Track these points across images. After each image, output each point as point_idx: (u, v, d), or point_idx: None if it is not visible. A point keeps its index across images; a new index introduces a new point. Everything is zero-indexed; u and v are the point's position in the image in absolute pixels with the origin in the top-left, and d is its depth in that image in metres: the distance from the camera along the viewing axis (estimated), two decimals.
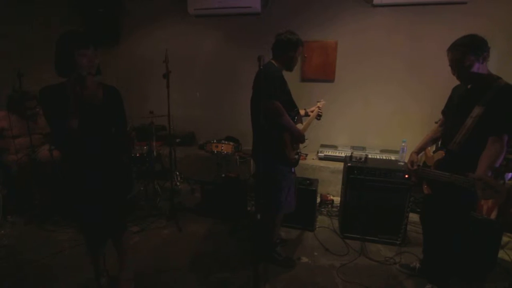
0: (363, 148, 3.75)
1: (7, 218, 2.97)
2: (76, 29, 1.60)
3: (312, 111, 2.46)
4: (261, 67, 1.60)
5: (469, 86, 1.76)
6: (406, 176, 2.46)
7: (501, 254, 2.41)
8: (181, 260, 2.44)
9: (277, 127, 2.09)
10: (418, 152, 2.07)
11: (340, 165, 3.29)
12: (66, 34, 1.55)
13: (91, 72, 1.59)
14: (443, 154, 1.80)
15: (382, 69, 3.71)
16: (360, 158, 2.73)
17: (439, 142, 2.04)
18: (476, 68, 1.62)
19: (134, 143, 3.60)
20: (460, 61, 1.63)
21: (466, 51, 1.61)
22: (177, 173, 3.89)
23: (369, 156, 3.01)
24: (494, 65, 3.25)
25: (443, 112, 2.02)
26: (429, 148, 2.08)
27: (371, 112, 3.85)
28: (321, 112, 2.46)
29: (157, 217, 3.11)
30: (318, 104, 2.48)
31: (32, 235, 2.76)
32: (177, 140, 4.07)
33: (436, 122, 2.59)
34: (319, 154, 3.79)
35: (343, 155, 3.65)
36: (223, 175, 3.25)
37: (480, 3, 3.24)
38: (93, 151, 1.68)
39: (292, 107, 2.22)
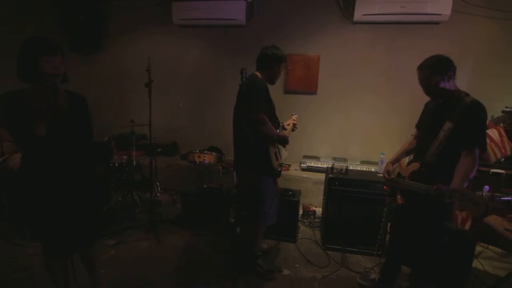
0: (345, 159, 3.82)
1: None
2: (43, 36, 1.54)
3: (288, 124, 2.54)
4: (243, 79, 1.61)
5: (439, 101, 1.86)
6: (384, 187, 2.51)
7: (475, 263, 2.49)
8: (160, 273, 2.35)
9: (262, 138, 2.10)
10: (393, 162, 2.14)
11: (322, 176, 3.33)
12: (32, 39, 1.51)
13: (57, 80, 1.54)
14: (418, 166, 1.86)
15: (363, 82, 3.83)
16: (341, 170, 2.78)
17: (413, 155, 2.11)
18: (442, 86, 1.73)
19: (113, 153, 3.50)
20: (427, 80, 1.75)
21: (432, 72, 1.72)
22: (157, 183, 3.80)
23: (350, 167, 3.07)
24: (464, 81, 3.47)
25: (417, 126, 2.12)
26: (403, 160, 2.16)
27: (352, 124, 3.95)
28: (296, 125, 2.58)
29: (135, 229, 3.01)
30: (293, 117, 2.58)
31: (0, 250, 2.60)
32: (159, 150, 3.99)
33: (412, 135, 2.70)
34: (302, 165, 3.83)
35: (325, 166, 3.70)
36: (205, 186, 3.20)
37: (451, 25, 3.44)
38: (58, 159, 1.62)
39: (274, 119, 2.25)
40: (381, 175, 2.70)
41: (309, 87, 3.96)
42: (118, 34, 4.36)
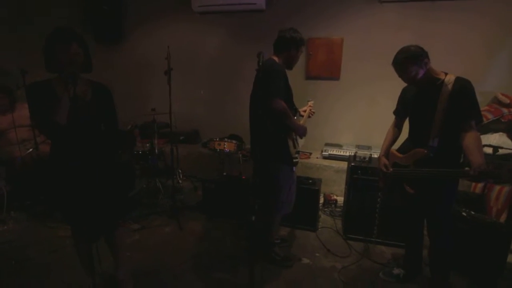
0: (369, 147, 3.67)
1: (11, 214, 3.00)
2: (61, 26, 1.58)
3: (304, 111, 2.44)
4: (260, 63, 1.56)
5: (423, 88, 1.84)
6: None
7: (510, 258, 2.32)
8: (181, 258, 2.42)
9: (281, 126, 2.04)
10: (386, 155, 2.10)
11: (344, 164, 3.21)
12: (52, 31, 1.55)
13: (75, 68, 1.56)
14: (424, 152, 1.81)
15: (389, 67, 3.54)
16: (364, 158, 2.67)
17: (407, 142, 2.05)
18: (422, 73, 1.74)
19: (136, 141, 3.60)
20: (406, 74, 1.76)
21: (407, 64, 1.74)
22: (180, 171, 3.88)
23: (374, 156, 2.94)
24: (506, 64, 3.17)
25: (396, 113, 2.12)
26: (392, 149, 2.12)
27: (377, 111, 3.76)
28: (313, 111, 2.48)
29: (158, 214, 3.10)
30: (309, 103, 2.49)
31: (34, 232, 2.78)
32: (181, 138, 4.06)
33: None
34: (323, 153, 3.73)
35: (348, 154, 3.58)
36: (225, 174, 3.22)
37: (490, 1, 3.12)
38: (81, 148, 1.67)
39: (291, 106, 2.18)
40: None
41: (331, 72, 3.81)
42: (138, 24, 4.40)
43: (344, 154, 3.63)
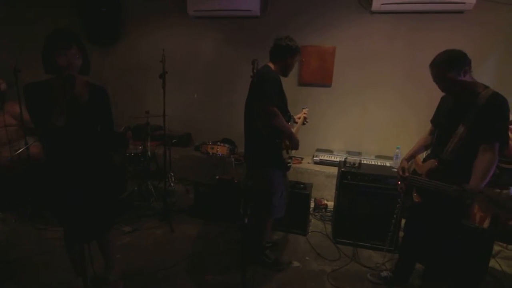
0: (359, 153, 3.76)
1: None
2: (61, 28, 1.59)
3: (299, 118, 2.50)
4: (254, 70, 1.60)
5: (457, 97, 1.77)
6: (399, 182, 2.46)
7: (493, 263, 2.41)
8: (172, 260, 2.43)
9: (274, 131, 2.08)
10: (408, 159, 2.08)
11: (335, 170, 3.29)
12: (50, 34, 1.56)
13: (73, 71, 1.58)
14: (436, 163, 1.79)
15: (380, 76, 3.72)
16: (354, 164, 2.73)
17: (429, 151, 2.04)
18: (458, 81, 1.63)
19: (129, 143, 3.59)
20: (441, 78, 1.66)
21: (445, 68, 1.63)
22: (172, 173, 3.88)
23: (364, 162, 3.02)
24: (492, 74, 3.31)
25: (433, 121, 2.04)
26: (419, 156, 2.10)
27: (367, 118, 3.86)
28: (307, 118, 2.54)
29: (150, 217, 3.10)
30: (304, 110, 2.54)
31: (23, 233, 2.74)
32: (173, 141, 4.06)
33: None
34: (315, 158, 3.79)
35: (338, 159, 3.65)
36: (217, 177, 3.24)
37: (477, 13, 3.26)
38: (78, 149, 1.68)
39: (285, 113, 2.23)
40: (395, 169, 2.65)
41: (323, 79, 3.89)
42: (134, 26, 4.41)
43: (335, 159, 3.70)
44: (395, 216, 2.43)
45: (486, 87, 1.67)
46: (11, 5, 4.49)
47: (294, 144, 2.17)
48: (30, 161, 2.94)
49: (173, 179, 3.88)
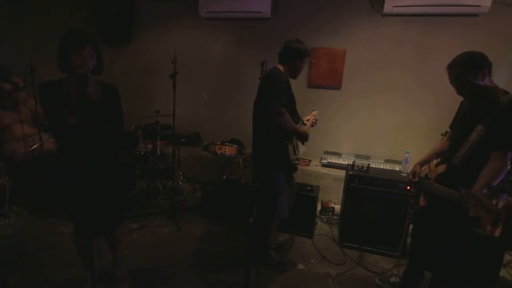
0: (367, 157, 3.71)
1: (12, 208, 3.04)
2: (76, 29, 1.63)
3: (308, 120, 2.50)
4: (263, 72, 1.61)
5: (474, 101, 1.72)
6: (408, 188, 2.43)
7: (503, 272, 2.35)
8: (178, 258, 2.45)
9: (282, 131, 2.09)
10: (422, 163, 2.03)
11: (343, 173, 3.25)
12: (65, 34, 1.60)
13: (87, 70, 1.62)
14: (443, 168, 1.77)
15: (390, 79, 3.68)
16: (362, 167, 2.71)
17: (444, 156, 1.99)
18: (476, 85, 1.57)
19: (139, 141, 3.65)
20: (458, 80, 1.61)
21: (463, 70, 1.57)
22: (180, 172, 3.93)
23: (373, 165, 2.98)
24: (504, 80, 3.22)
25: (451, 127, 1.98)
26: (434, 161, 2.05)
27: (377, 121, 3.82)
28: (316, 121, 2.55)
29: (158, 215, 3.14)
30: (313, 113, 2.55)
31: (35, 226, 2.82)
32: (182, 140, 4.11)
33: (442, 134, 2.55)
34: (323, 160, 3.77)
35: (346, 162, 3.62)
36: (224, 177, 3.26)
37: (492, 17, 3.19)
38: (89, 147, 1.71)
39: (294, 114, 2.23)
40: (405, 174, 2.62)
41: (333, 81, 3.87)
42: (146, 27, 4.48)
43: (343, 162, 3.67)
44: (407, 221, 2.40)
45: (506, 92, 1.59)
46: (25, 5, 4.63)
47: (301, 136, 2.18)
48: (44, 156, 3.03)
49: (181, 178, 3.92)
